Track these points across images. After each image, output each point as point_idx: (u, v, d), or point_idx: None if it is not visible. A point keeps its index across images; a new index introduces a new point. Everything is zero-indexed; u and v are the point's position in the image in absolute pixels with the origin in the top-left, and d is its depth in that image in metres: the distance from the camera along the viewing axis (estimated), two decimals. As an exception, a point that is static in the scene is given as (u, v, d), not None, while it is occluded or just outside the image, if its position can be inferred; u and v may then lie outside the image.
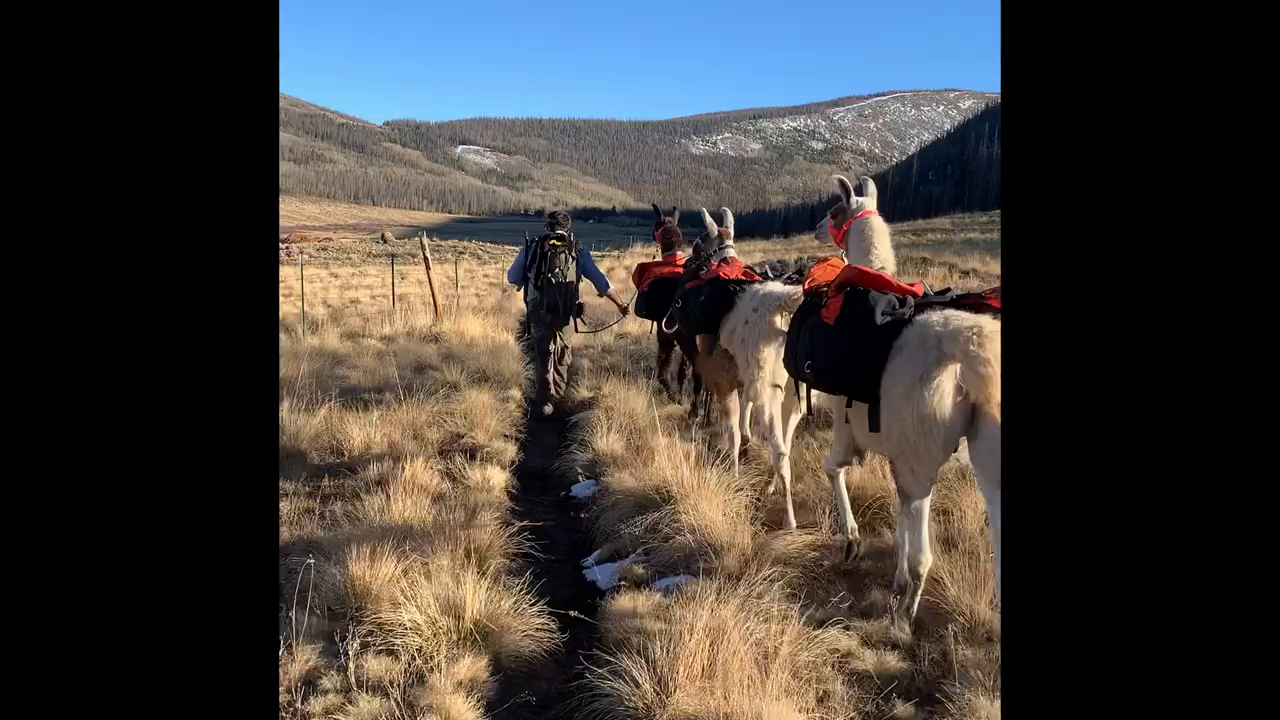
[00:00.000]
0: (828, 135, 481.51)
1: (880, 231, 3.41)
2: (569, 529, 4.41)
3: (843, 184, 3.53)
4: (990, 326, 2.61)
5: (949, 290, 3.11)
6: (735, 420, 4.79)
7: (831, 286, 3.23)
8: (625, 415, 5.94)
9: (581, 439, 5.63)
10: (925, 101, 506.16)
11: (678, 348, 6.32)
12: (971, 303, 2.90)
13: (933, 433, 2.68)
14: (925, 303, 2.98)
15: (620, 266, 21.97)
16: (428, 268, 11.91)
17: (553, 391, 7.21)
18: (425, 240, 12.37)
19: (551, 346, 7.13)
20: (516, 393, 7.29)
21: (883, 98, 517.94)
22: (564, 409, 7.18)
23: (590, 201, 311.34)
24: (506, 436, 5.96)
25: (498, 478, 4.76)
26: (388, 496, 4.12)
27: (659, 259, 6.67)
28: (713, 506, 3.72)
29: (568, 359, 7.44)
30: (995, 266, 20.47)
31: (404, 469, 4.59)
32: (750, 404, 4.27)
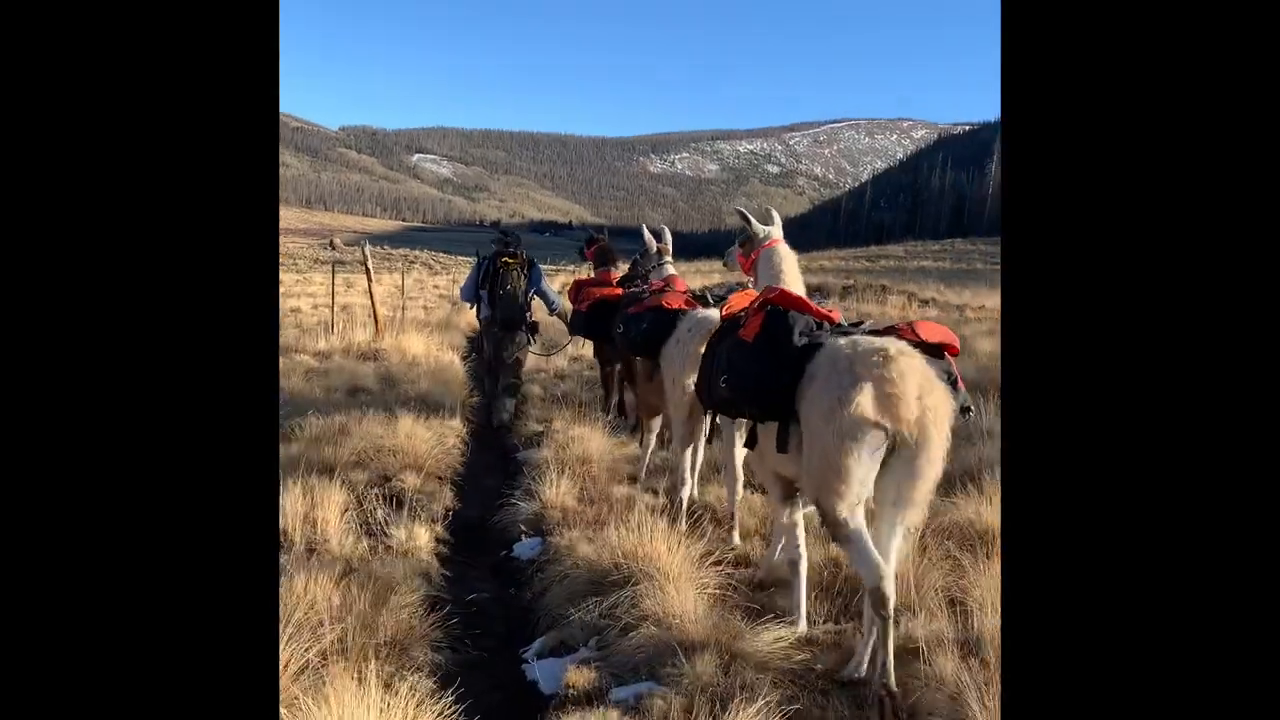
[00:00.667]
0: (783, 159, 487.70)
1: (788, 259, 3.48)
2: (507, 604, 3.74)
3: (742, 213, 3.59)
4: (896, 348, 2.61)
5: (861, 323, 3.11)
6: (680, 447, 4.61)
7: (753, 305, 3.21)
8: (578, 456, 5.30)
9: (527, 485, 4.97)
10: (879, 130, 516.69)
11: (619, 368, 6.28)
12: (884, 334, 2.87)
13: (856, 451, 2.61)
14: (840, 330, 2.97)
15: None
16: (369, 280, 11.14)
17: (504, 415, 7.03)
18: (368, 250, 11.57)
19: (504, 356, 6.98)
20: (458, 424, 6.59)
21: (838, 125, 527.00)
22: (510, 443, 6.56)
23: (547, 215, 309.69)
24: (442, 479, 5.27)
25: (425, 538, 4.07)
26: (291, 560, 3.42)
27: (593, 275, 6.82)
28: (682, 591, 3.10)
29: (519, 376, 7.28)
30: (954, 295, 20.31)
31: (315, 524, 3.90)
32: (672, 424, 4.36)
